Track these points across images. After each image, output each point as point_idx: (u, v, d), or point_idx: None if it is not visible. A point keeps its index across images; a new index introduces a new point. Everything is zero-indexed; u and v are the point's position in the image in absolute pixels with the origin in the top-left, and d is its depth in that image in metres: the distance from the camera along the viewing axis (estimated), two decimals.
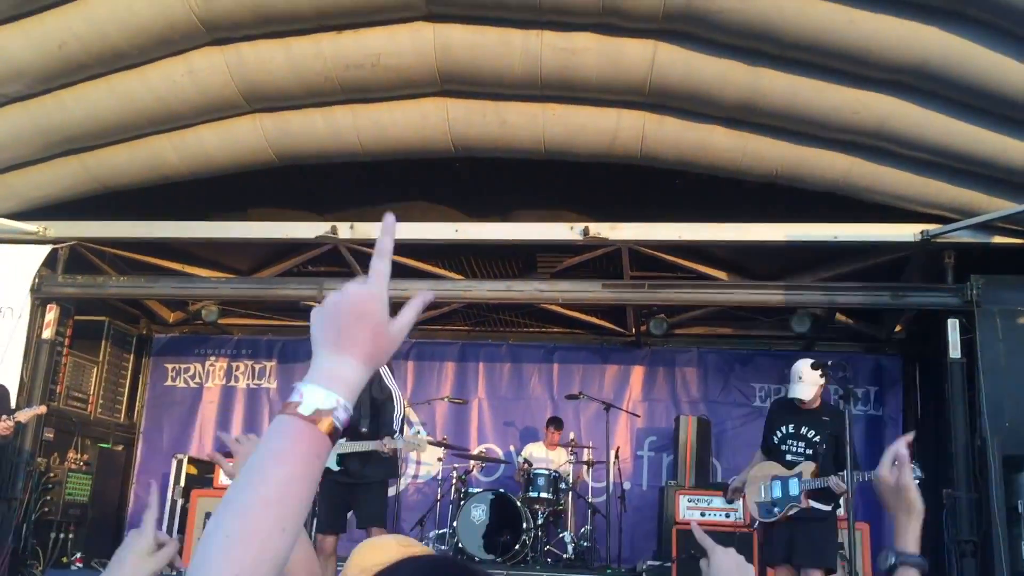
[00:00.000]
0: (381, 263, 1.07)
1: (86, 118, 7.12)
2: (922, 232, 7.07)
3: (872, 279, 7.67)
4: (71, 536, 8.65)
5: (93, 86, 6.96)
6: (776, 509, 5.73)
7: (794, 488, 5.68)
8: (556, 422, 8.94)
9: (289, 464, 0.96)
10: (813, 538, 5.60)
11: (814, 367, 5.69)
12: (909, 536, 1.75)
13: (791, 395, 5.85)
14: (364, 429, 5.92)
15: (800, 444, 5.82)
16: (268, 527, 0.92)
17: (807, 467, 5.71)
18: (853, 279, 7.78)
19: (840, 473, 5.41)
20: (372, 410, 6.01)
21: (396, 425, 6.07)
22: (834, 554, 5.79)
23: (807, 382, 5.73)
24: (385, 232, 1.09)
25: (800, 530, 5.63)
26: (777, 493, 5.75)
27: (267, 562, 0.91)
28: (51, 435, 8.49)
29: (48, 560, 8.26)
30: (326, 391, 1.00)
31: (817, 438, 5.74)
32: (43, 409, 7.04)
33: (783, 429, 5.89)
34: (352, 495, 6.01)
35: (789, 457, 5.82)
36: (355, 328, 1.03)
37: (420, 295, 1.09)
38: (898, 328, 9.36)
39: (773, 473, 5.83)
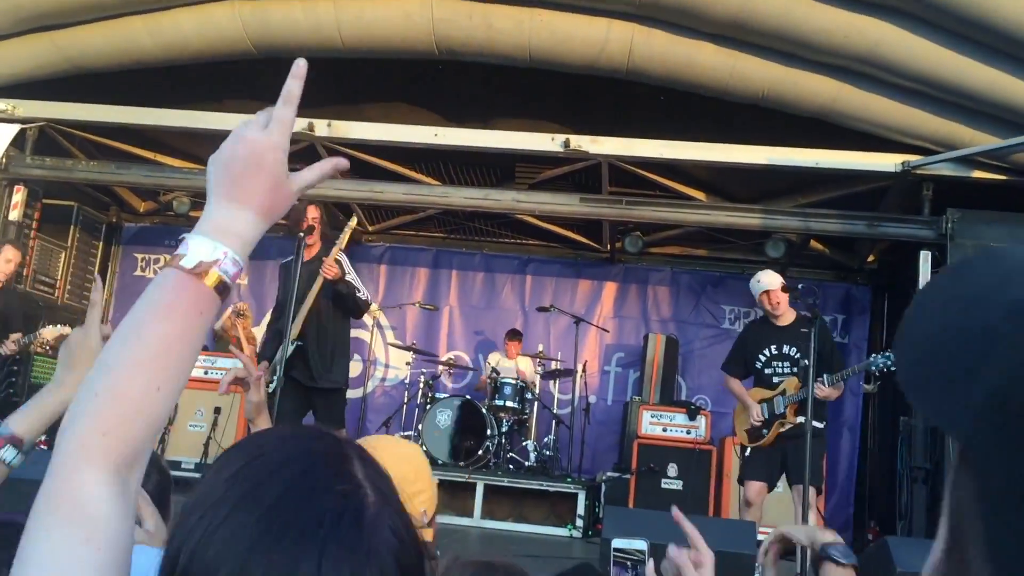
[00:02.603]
0: (286, 110, 1.00)
1: None
2: (903, 163, 7.05)
3: (849, 208, 7.67)
4: None
5: None
6: (764, 431, 5.77)
7: (779, 406, 5.74)
8: (514, 334, 9.00)
9: (167, 321, 0.91)
10: (811, 456, 5.23)
11: (767, 298, 5.79)
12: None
13: (763, 287, 5.86)
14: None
15: (785, 364, 5.84)
16: (140, 386, 0.87)
17: (790, 382, 5.77)
18: (830, 207, 7.77)
19: (820, 378, 5.44)
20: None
21: (359, 285, 5.96)
22: (821, 473, 5.88)
23: (765, 280, 5.88)
24: (293, 76, 1.02)
25: (793, 448, 5.58)
26: (764, 415, 5.79)
27: (138, 422, 0.87)
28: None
29: None
30: (213, 242, 0.93)
31: (799, 354, 5.74)
32: (67, 330, 6.88)
33: (767, 352, 5.90)
34: (312, 398, 5.99)
35: (776, 379, 5.85)
36: (251, 178, 0.96)
37: (331, 160, 1.02)
38: (871, 258, 9.43)
39: (759, 398, 5.88)
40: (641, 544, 1.71)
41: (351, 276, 5.92)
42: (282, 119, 0.99)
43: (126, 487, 0.87)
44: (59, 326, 6.62)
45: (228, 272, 0.93)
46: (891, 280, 9.18)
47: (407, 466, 1.53)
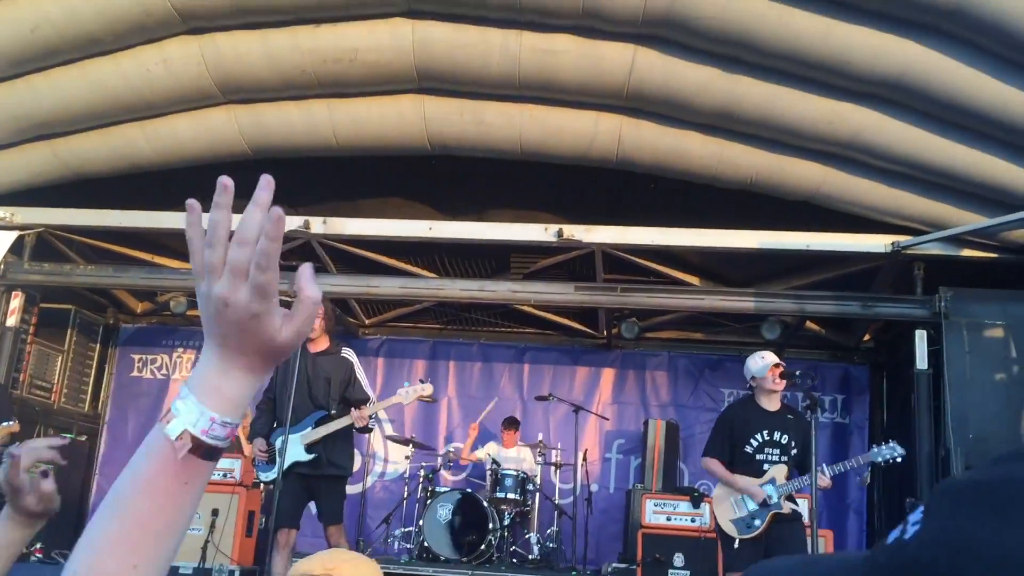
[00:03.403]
0: (267, 277, 0.86)
1: (57, 104, 7.01)
2: (893, 243, 7.14)
3: (843, 288, 7.73)
4: None
5: (65, 72, 6.86)
6: (756, 522, 5.49)
7: (773, 496, 5.48)
8: (511, 422, 8.94)
9: (146, 496, 0.86)
10: (794, 540, 5.41)
11: (778, 370, 5.62)
12: None
13: (773, 360, 5.64)
14: (334, 411, 5.88)
15: (776, 451, 5.60)
16: (115, 565, 0.84)
17: (779, 471, 5.54)
18: (824, 288, 7.84)
19: (820, 467, 5.27)
20: (340, 390, 5.97)
21: (369, 391, 6.08)
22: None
23: (771, 356, 5.69)
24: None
25: (776, 534, 5.44)
26: (753, 506, 5.51)
27: None
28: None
29: None
30: (200, 407, 0.87)
31: (790, 442, 5.56)
32: (16, 427, 6.76)
33: (759, 437, 5.63)
34: (315, 488, 5.94)
35: (766, 466, 5.59)
36: (238, 343, 0.88)
37: (307, 289, 0.89)
38: (867, 337, 9.45)
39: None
40: None
41: (368, 390, 6.12)
42: (266, 290, 0.87)
43: None
44: (8, 423, 6.50)
45: (218, 437, 0.88)
46: (889, 358, 9.19)
47: None
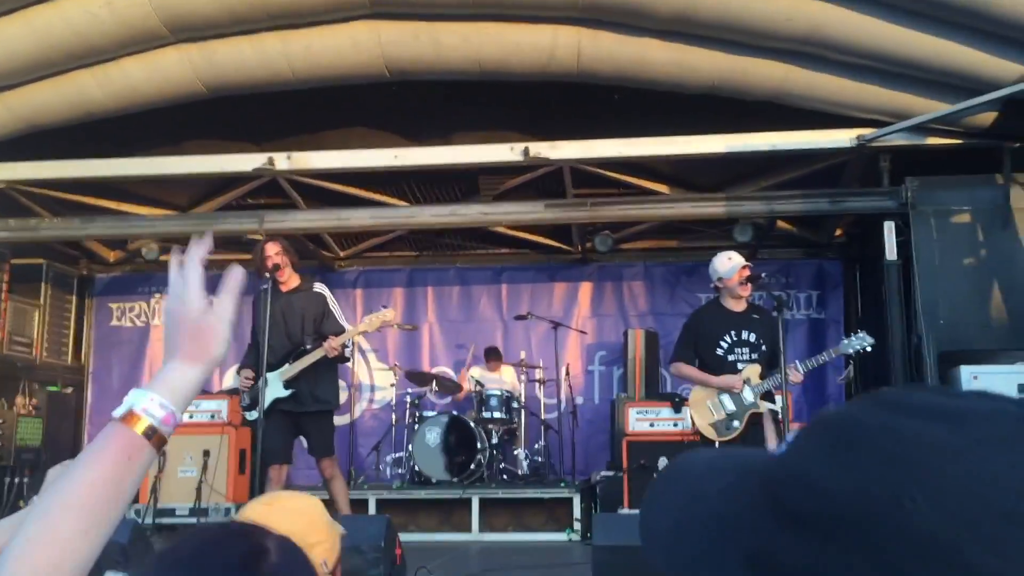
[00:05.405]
0: (229, 301, 1.13)
1: (3, 56, 6.84)
2: (858, 137, 7.14)
3: (812, 186, 7.76)
4: (27, 480, 8.61)
5: (8, 22, 6.67)
6: (735, 423, 5.47)
7: (748, 396, 5.46)
8: (492, 353, 9.01)
9: (97, 467, 0.99)
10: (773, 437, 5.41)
11: (746, 272, 5.57)
12: None
13: (740, 262, 5.59)
14: (309, 346, 5.88)
15: (745, 350, 5.55)
16: (68, 531, 0.94)
17: (752, 371, 5.49)
18: (793, 187, 7.86)
19: (794, 363, 5.31)
20: (315, 325, 5.95)
21: (344, 323, 6.02)
22: None
23: (738, 257, 5.64)
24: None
25: (754, 434, 5.42)
26: (731, 407, 5.48)
27: (66, 565, 0.92)
28: None
29: (5, 505, 8.24)
30: (144, 392, 1.05)
31: (758, 340, 5.52)
32: None
33: (728, 338, 5.57)
34: (302, 424, 5.98)
35: (740, 366, 5.53)
36: (192, 343, 1.10)
37: (232, 276, 1.16)
38: (838, 232, 9.52)
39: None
40: None
41: (342, 322, 6.02)
42: (226, 307, 1.14)
43: None
44: None
45: (155, 415, 1.03)
46: (861, 252, 9.29)
47: (301, 520, 1.67)
